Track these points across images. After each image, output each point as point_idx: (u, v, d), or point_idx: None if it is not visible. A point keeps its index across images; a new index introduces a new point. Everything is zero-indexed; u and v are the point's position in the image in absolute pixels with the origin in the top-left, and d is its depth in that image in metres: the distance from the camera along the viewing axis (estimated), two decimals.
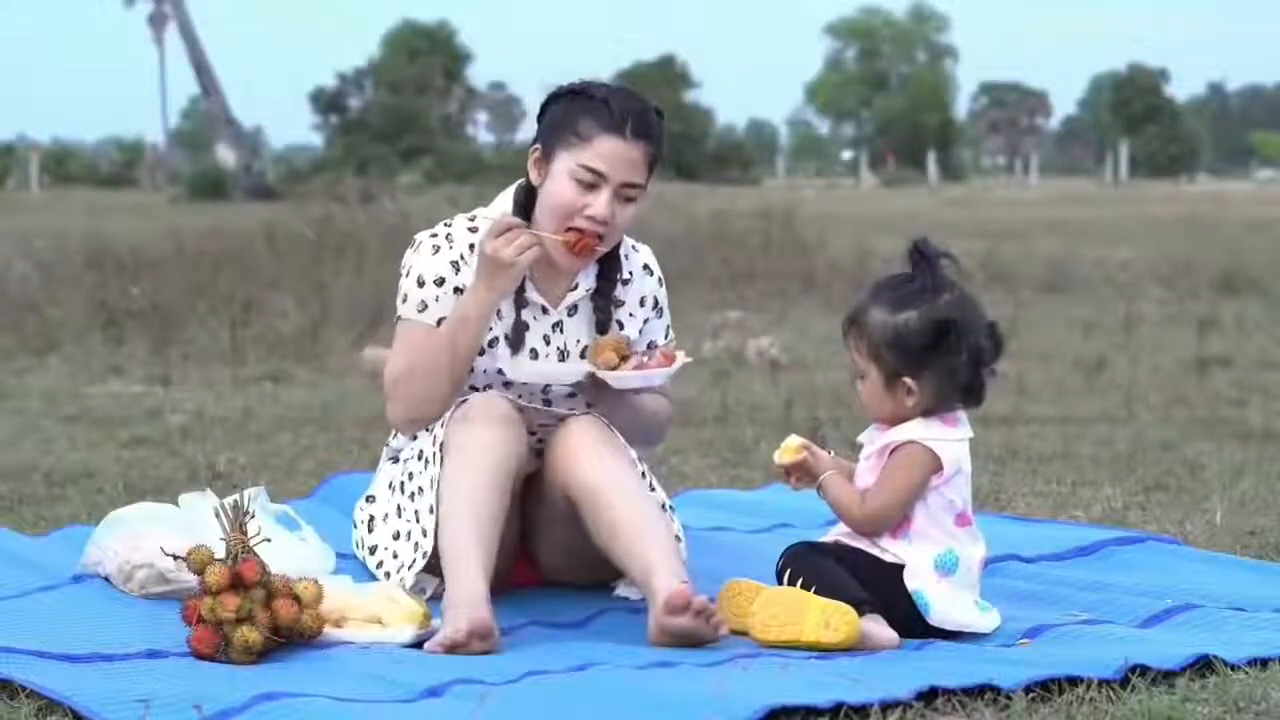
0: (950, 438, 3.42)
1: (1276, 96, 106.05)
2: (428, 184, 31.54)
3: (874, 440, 3.47)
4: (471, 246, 3.68)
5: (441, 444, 3.56)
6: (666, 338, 3.87)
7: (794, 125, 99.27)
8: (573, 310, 3.77)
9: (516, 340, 3.71)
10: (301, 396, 7.37)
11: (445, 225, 3.75)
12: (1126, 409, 6.88)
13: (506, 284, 3.57)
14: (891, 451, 3.42)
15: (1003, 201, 34.35)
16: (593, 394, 3.70)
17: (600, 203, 3.57)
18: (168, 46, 56.64)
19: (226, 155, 41.33)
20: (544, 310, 3.75)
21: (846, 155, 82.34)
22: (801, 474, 3.51)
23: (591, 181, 3.57)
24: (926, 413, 3.41)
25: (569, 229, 3.60)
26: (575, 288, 3.77)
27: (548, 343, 3.76)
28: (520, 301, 3.72)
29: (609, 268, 3.77)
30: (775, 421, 6.44)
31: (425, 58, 57.22)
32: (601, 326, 3.76)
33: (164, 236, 13.85)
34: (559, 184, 3.60)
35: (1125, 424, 6.52)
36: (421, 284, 3.69)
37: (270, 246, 12.63)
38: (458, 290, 3.67)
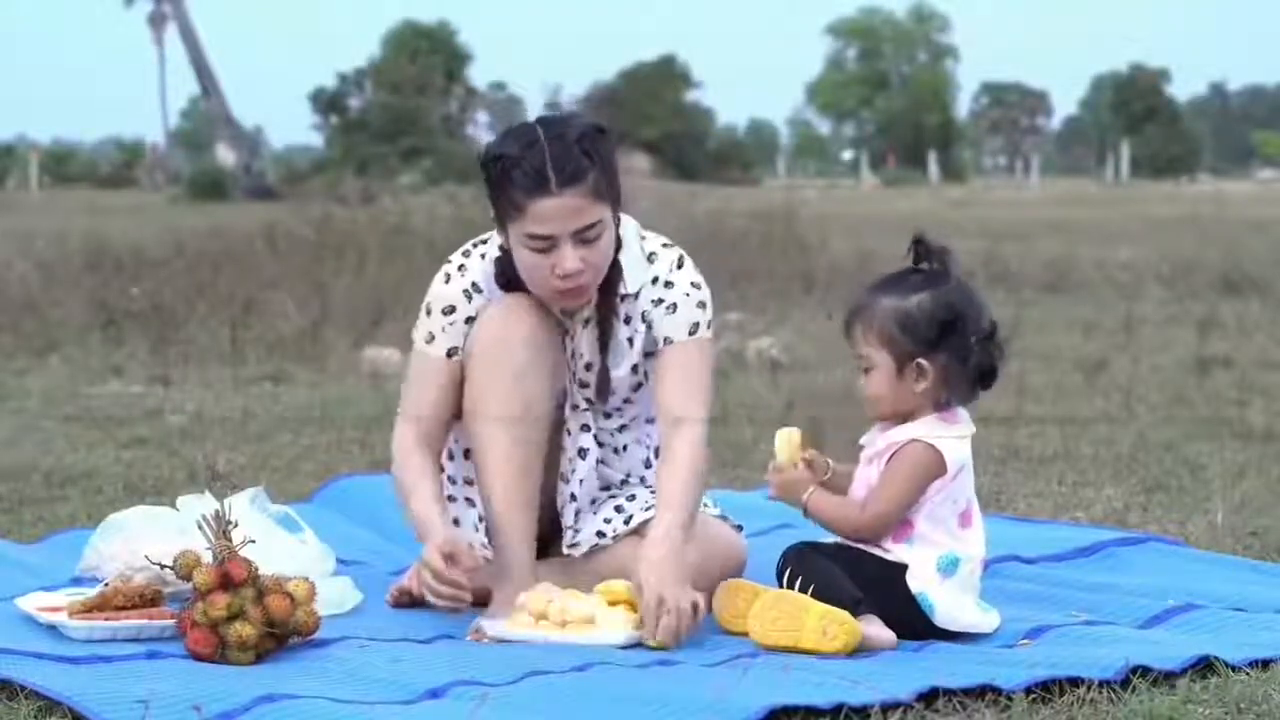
0: (952, 434, 3.41)
1: (1278, 96, 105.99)
2: (428, 184, 31.52)
3: (874, 442, 3.47)
4: (481, 276, 3.66)
5: None
6: (691, 333, 3.67)
7: (794, 125, 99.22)
8: (586, 322, 3.71)
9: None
10: (302, 397, 7.37)
11: (463, 255, 3.70)
12: (1127, 409, 6.88)
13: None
14: (894, 454, 3.41)
15: (1003, 202, 34.33)
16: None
17: (563, 259, 3.51)
18: (168, 46, 56.67)
19: (226, 155, 41.40)
20: (565, 331, 3.71)
21: (847, 155, 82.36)
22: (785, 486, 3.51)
23: (544, 246, 3.51)
24: (935, 405, 3.41)
25: (553, 291, 3.57)
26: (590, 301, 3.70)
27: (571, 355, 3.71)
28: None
29: (609, 283, 3.67)
30: (775, 422, 6.41)
31: (425, 58, 57.18)
32: (602, 340, 3.69)
33: (164, 236, 13.85)
34: (520, 253, 3.55)
35: (1126, 424, 6.51)
36: (429, 312, 3.66)
37: (270, 246, 12.62)
38: (469, 320, 3.63)
